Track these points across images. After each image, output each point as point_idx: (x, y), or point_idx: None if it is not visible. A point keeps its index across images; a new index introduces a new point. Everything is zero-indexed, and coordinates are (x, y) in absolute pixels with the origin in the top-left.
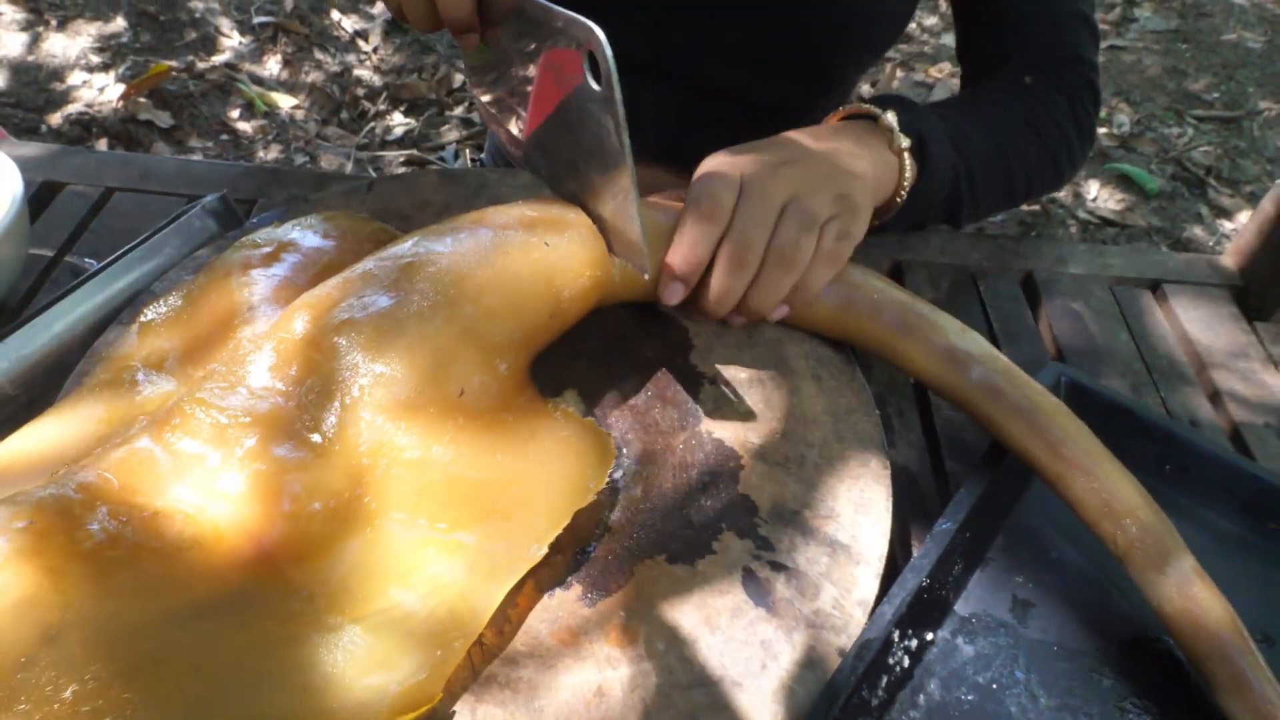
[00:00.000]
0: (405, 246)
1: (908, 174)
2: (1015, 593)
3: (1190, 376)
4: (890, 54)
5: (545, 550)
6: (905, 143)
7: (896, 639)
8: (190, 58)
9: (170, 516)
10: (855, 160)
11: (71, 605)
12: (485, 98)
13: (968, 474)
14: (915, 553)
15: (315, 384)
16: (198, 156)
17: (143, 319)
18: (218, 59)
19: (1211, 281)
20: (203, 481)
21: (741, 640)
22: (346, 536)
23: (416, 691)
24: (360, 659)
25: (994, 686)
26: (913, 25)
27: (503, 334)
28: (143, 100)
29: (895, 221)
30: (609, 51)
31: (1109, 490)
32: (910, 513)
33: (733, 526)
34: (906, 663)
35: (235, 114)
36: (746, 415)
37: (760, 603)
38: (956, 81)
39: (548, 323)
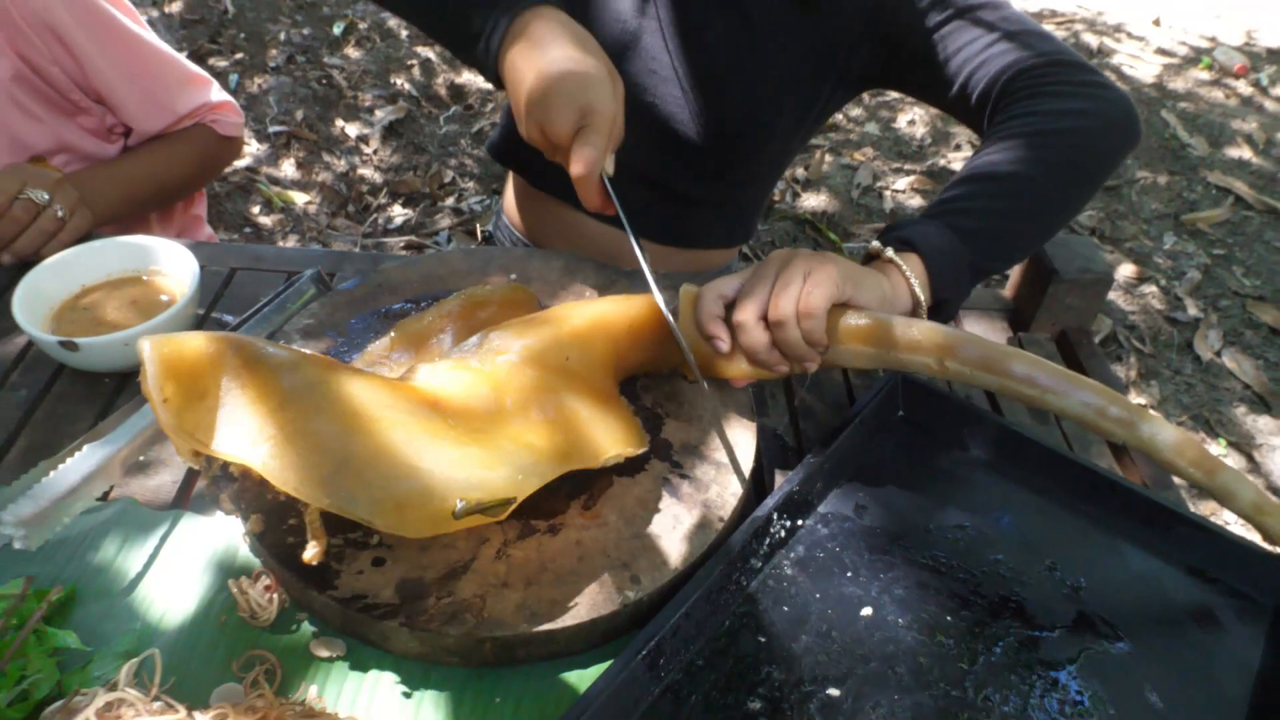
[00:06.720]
0: (538, 314)
1: (917, 288)
2: (858, 500)
3: None
4: (819, 142)
5: (600, 463)
6: (889, 253)
7: (775, 519)
8: None
9: (405, 382)
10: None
11: (346, 381)
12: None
13: (817, 433)
14: (779, 481)
15: (482, 343)
16: None
17: (392, 334)
18: (239, 164)
19: (994, 308)
20: (422, 382)
21: (661, 514)
22: (487, 413)
23: (500, 490)
24: (472, 459)
25: (837, 550)
26: (839, 116)
27: (587, 364)
28: None
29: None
30: (608, 185)
31: (1077, 397)
32: (775, 458)
33: (657, 456)
34: (782, 534)
35: (256, 210)
36: (668, 394)
37: (673, 495)
38: (879, 163)
39: (615, 365)
